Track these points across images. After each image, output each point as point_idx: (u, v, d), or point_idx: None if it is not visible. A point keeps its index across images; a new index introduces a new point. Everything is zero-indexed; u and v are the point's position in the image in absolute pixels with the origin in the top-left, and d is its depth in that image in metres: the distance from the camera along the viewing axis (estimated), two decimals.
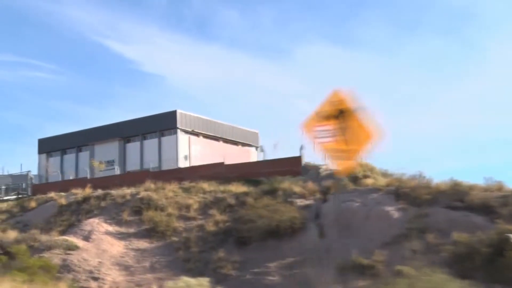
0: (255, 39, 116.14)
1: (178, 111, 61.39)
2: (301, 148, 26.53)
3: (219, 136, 66.67)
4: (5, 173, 66.98)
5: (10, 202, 30.49)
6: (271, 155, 31.46)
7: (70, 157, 68.57)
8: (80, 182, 36.63)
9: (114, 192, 24.91)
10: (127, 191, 24.80)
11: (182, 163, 57.83)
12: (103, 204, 23.77)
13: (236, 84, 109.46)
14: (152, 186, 25.00)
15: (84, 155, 66.50)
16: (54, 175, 54.57)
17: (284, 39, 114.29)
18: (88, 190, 26.58)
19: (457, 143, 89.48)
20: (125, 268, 18.20)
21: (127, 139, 64.53)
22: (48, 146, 71.42)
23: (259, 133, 76.08)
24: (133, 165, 62.04)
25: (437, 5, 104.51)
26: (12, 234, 20.97)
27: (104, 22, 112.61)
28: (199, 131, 63.48)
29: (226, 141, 67.82)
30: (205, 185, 25.05)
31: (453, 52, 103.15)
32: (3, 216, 27.27)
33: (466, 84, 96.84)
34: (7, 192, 40.82)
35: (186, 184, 25.78)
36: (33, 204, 28.18)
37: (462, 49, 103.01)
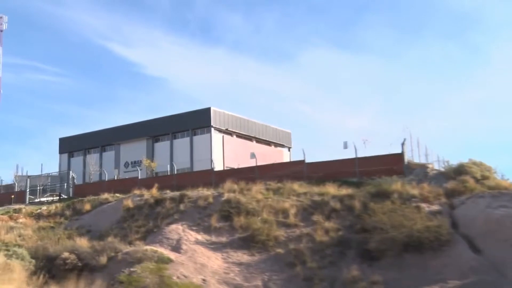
0: (259, 43, 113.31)
1: (212, 109, 57.79)
2: (403, 143, 23.02)
3: (253, 135, 63.04)
4: (24, 173, 63.89)
5: (58, 204, 27.24)
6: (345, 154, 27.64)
7: (93, 157, 65.20)
8: (129, 182, 33.49)
9: (191, 193, 21.54)
10: (207, 192, 21.43)
11: (219, 164, 54.30)
12: (181, 207, 20.41)
13: (240, 87, 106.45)
14: (235, 186, 21.63)
15: (109, 155, 62.94)
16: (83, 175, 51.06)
17: (288, 42, 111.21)
18: (154, 191, 23.29)
19: (459, 145, 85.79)
20: None
21: (155, 138, 60.98)
22: (69, 146, 68.14)
23: (292, 133, 72.68)
24: (161, 166, 58.49)
25: (441, 9, 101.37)
26: (83, 242, 17.70)
27: (108, 25, 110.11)
28: (232, 130, 59.97)
29: (259, 141, 64.18)
30: (296, 186, 21.66)
31: (457, 56, 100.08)
32: (58, 220, 24.09)
33: (469, 87, 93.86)
34: (44, 192, 37.57)
35: (272, 184, 22.40)
36: (87, 206, 24.99)
37: (465, 53, 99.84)
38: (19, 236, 20.09)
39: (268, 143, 64.62)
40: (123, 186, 30.64)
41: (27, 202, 34.77)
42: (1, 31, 78.58)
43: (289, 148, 70.71)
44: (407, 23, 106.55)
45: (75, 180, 36.06)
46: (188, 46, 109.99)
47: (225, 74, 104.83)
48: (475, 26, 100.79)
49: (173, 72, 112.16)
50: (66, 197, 34.11)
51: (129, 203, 22.03)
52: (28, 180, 37.21)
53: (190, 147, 57.54)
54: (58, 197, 34.33)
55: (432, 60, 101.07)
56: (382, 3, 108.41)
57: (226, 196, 20.63)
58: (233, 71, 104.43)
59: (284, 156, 67.61)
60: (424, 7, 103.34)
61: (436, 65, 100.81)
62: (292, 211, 19.23)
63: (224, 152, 57.19)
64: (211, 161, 54.08)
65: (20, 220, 24.13)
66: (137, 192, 23.82)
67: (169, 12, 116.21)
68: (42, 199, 35.77)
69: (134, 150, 59.95)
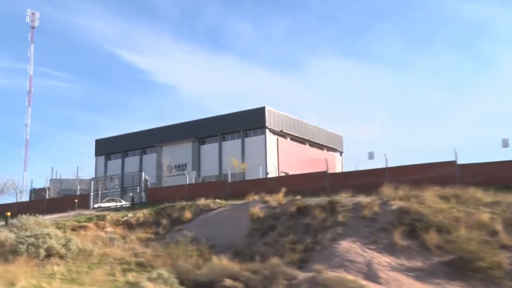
0: (268, 51, 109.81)
1: (267, 108, 52.85)
2: None
3: (306, 138, 57.76)
4: (58, 177, 59.55)
5: (144, 211, 22.50)
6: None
7: (132, 160, 60.49)
8: (214, 186, 29.00)
9: (344, 199, 16.72)
10: (366, 199, 16.58)
11: (272, 169, 49.06)
12: (340, 218, 15.55)
13: (248, 95, 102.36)
14: (401, 193, 16.77)
15: (150, 157, 58.16)
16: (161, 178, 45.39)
17: (296, 51, 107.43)
18: (281, 197, 18.53)
19: (469, 156, 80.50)
20: None
21: (202, 140, 56.06)
22: (106, 148, 63.43)
23: (343, 137, 67.26)
24: (208, 170, 53.28)
25: (451, 19, 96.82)
26: (233, 264, 12.95)
27: (118, 32, 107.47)
28: (287, 132, 54.91)
29: (312, 144, 58.93)
30: (478, 194, 16.75)
31: (466, 66, 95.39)
32: (155, 229, 19.40)
33: (479, 98, 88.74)
34: (105, 196, 32.97)
35: (440, 191, 17.46)
36: (187, 214, 20.34)
37: (475, 63, 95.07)
38: (126, 251, 15.44)
39: (320, 146, 59.59)
40: (209, 190, 26.05)
41: (91, 208, 30.32)
42: (33, 27, 75.31)
43: (341, 153, 65.45)
44: (417, 33, 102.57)
45: (148, 183, 31.36)
46: (197, 53, 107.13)
47: (234, 82, 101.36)
48: (486, 36, 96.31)
49: (182, 79, 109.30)
50: (138, 202, 29.36)
51: (257, 211, 17.24)
52: (92, 183, 32.62)
53: (241, 149, 52.62)
54: (131, 202, 29.57)
55: (442, 70, 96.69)
56: (391, 13, 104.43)
57: (395, 204, 15.75)
58: (241, 79, 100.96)
59: (336, 160, 62.36)
60: (434, 17, 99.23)
61: (446, 75, 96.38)
62: (498, 226, 14.32)
63: (278, 156, 52.24)
64: (265, 165, 49.08)
65: (108, 229, 19.62)
66: (255, 197, 19.07)
67: (179, 20, 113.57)
68: (103, 204, 31.29)
69: (178, 152, 55.13)
